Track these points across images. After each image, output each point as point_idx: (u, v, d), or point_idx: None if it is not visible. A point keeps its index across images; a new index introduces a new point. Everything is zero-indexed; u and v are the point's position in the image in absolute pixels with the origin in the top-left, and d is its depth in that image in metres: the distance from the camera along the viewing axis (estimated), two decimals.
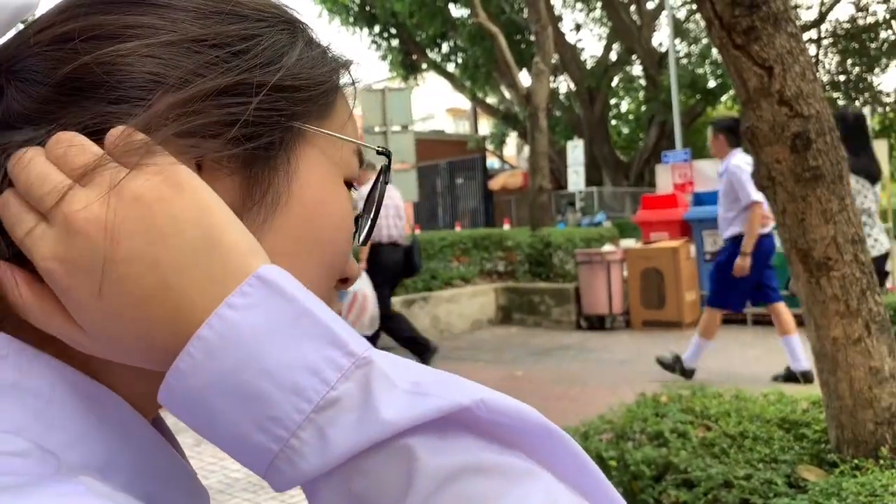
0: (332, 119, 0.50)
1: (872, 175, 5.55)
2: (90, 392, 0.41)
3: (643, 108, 26.69)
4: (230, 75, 0.43)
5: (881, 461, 2.72)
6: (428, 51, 24.46)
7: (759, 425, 3.29)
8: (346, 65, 0.53)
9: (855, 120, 5.49)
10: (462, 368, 6.83)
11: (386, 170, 0.55)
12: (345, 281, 0.53)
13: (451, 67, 25.23)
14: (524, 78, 15.63)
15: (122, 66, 0.41)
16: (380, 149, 0.56)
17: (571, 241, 10.39)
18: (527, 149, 16.68)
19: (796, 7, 22.76)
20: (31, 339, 0.41)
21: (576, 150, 18.14)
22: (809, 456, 2.96)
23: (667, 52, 20.11)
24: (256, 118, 0.44)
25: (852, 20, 27.64)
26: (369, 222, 0.55)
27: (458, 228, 15.37)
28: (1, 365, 0.39)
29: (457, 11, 23.71)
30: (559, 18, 25.33)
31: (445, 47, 25.05)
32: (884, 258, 5.80)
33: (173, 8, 0.44)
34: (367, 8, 22.79)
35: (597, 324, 8.68)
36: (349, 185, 0.51)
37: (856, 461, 2.75)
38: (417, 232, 14.48)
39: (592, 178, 22.34)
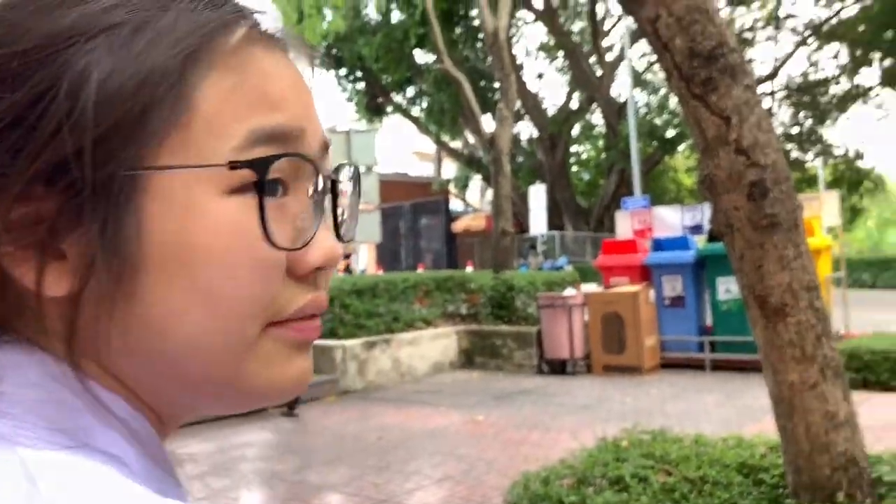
0: (195, 115, 0.39)
1: None
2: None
3: (603, 155, 27.21)
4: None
5: None
6: (393, 94, 24.73)
7: (718, 470, 3.30)
8: (220, 21, 0.41)
9: None
10: (423, 413, 6.76)
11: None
12: (310, 318, 0.43)
13: (416, 111, 25.52)
14: (488, 123, 15.86)
15: None
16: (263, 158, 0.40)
17: (533, 284, 10.43)
18: (490, 192, 16.84)
19: (751, 61, 23.57)
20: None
21: (538, 195, 18.36)
22: (768, 501, 2.98)
23: (626, 101, 20.59)
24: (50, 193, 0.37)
25: (804, 75, 28.71)
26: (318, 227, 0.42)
27: (420, 270, 15.36)
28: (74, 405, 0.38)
29: (422, 57, 24.06)
30: (521, 67, 25.84)
31: (411, 91, 25.35)
32: None
33: None
34: (334, 51, 23.01)
35: (558, 368, 8.68)
36: (260, 186, 0.39)
37: None
38: (380, 273, 14.44)
39: (554, 222, 22.61)
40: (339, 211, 0.46)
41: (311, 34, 11.27)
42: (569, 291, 9.08)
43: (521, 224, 21.29)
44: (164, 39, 0.38)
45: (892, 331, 8.35)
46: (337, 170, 0.46)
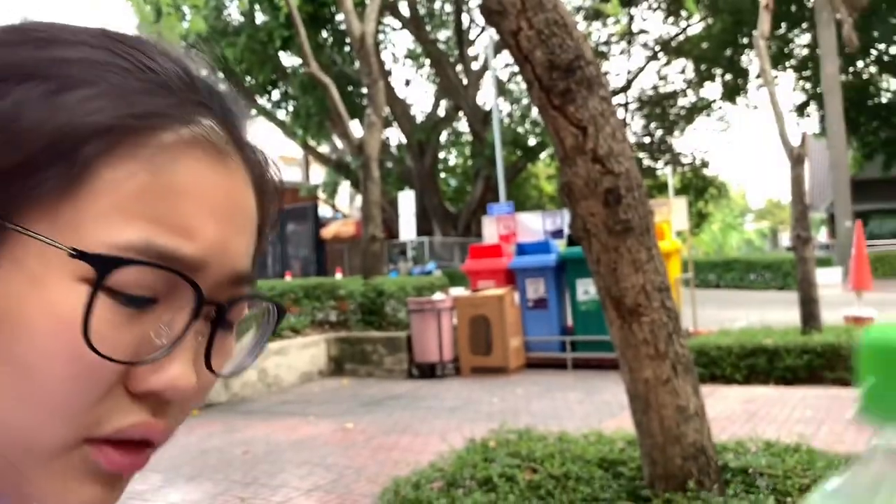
0: (87, 193, 0.36)
1: None
2: None
3: (470, 162, 27.76)
4: None
5: (689, 493, 2.92)
6: (257, 97, 24.13)
7: (580, 466, 3.43)
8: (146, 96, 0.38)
9: None
10: (291, 424, 6.62)
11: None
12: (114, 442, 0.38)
13: (281, 115, 25.02)
14: (356, 128, 15.78)
15: None
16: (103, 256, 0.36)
17: (403, 289, 10.47)
18: (359, 198, 16.76)
19: (606, 74, 24.79)
20: None
21: (407, 201, 18.48)
22: (626, 493, 3.13)
23: (491, 110, 21.11)
24: None
25: (654, 88, 30.55)
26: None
27: (288, 278, 15.04)
28: None
29: (288, 60, 23.63)
30: (390, 73, 25.93)
31: (276, 94, 24.84)
32: None
33: None
34: (194, 52, 22.17)
35: (428, 372, 8.76)
36: (96, 284, 0.36)
37: (667, 495, 2.93)
38: None
39: (423, 228, 22.81)
40: (239, 341, 0.43)
41: (170, 34, 10.81)
42: (438, 296, 9.18)
43: (391, 230, 21.36)
44: (84, 105, 0.36)
45: (736, 328, 9.01)
46: (236, 301, 0.41)
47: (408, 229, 18.20)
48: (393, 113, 24.35)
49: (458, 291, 9.55)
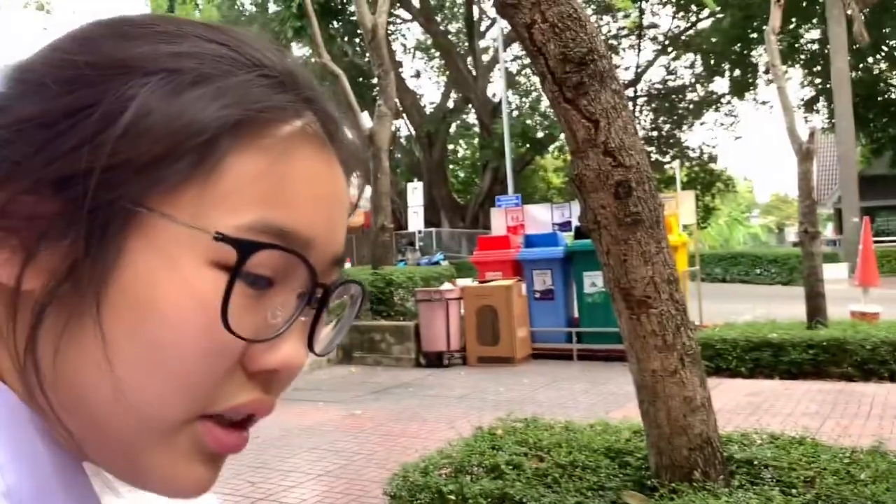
0: (213, 179, 0.39)
1: None
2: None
3: (478, 154, 27.73)
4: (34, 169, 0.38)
5: (694, 484, 2.96)
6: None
7: (587, 455, 3.48)
8: (268, 99, 0.40)
9: None
10: (300, 410, 6.69)
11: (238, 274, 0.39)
12: (237, 421, 0.42)
13: None
14: (366, 119, 15.79)
15: None
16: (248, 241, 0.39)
17: (412, 279, 10.53)
18: (368, 189, 16.79)
19: (617, 67, 24.73)
20: None
21: (416, 192, 18.51)
22: (633, 482, 3.17)
23: (500, 102, 21.09)
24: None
25: (663, 82, 30.43)
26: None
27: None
28: None
29: (298, 51, 23.63)
30: (400, 65, 25.92)
31: None
32: None
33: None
34: None
35: (435, 361, 8.82)
36: (237, 267, 0.38)
37: (673, 485, 2.98)
38: None
39: (431, 219, 22.84)
40: (327, 323, 0.45)
41: None
42: (446, 286, 9.23)
43: (399, 221, 21.40)
44: (214, 101, 0.39)
45: (741, 321, 9.04)
46: (339, 284, 0.45)
47: (416, 220, 18.24)
48: (403, 104, 24.36)
49: (466, 282, 9.60)
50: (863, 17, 8.70)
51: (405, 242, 19.65)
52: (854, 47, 14.52)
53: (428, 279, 10.81)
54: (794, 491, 2.84)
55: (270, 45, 0.44)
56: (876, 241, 11.77)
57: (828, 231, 33.28)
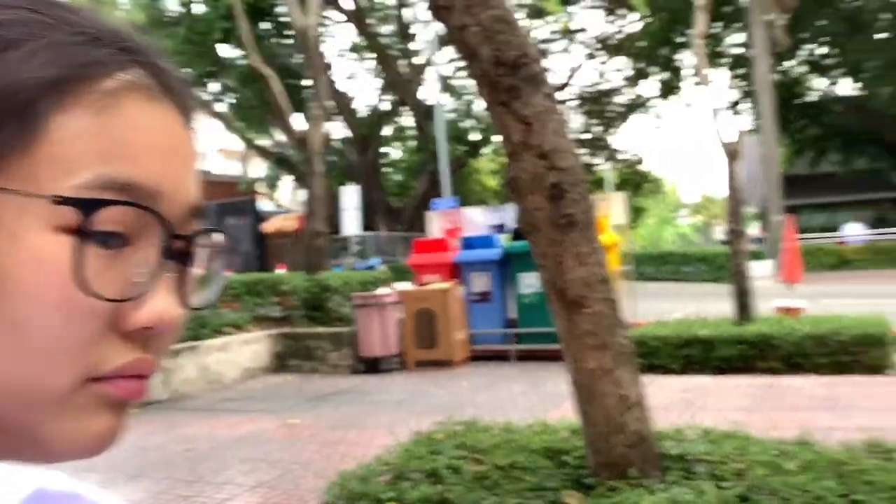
0: (41, 143, 0.38)
1: None
2: None
3: (414, 157, 27.74)
4: None
5: (631, 481, 3.01)
6: (196, 90, 23.65)
7: (526, 456, 3.49)
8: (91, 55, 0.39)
9: None
10: (234, 420, 6.54)
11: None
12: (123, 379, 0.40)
13: (221, 107, 24.56)
14: (298, 122, 15.61)
15: None
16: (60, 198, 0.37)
17: (348, 284, 10.44)
18: (300, 192, 16.58)
19: (548, 71, 25.08)
20: None
21: (350, 196, 18.37)
22: (572, 481, 3.20)
23: (434, 105, 21.14)
24: None
25: (594, 85, 31.05)
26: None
27: (228, 273, 14.79)
28: None
29: (227, 52, 23.21)
30: (330, 66, 25.73)
31: (215, 87, 24.37)
32: None
33: None
34: None
35: (373, 366, 8.75)
36: (81, 228, 0.37)
37: (610, 483, 3.01)
38: None
39: (367, 223, 22.72)
40: (196, 275, 0.44)
41: None
42: (383, 290, 9.17)
43: (334, 225, 21.21)
44: (26, 63, 0.37)
45: (672, 319, 9.25)
46: (199, 233, 0.44)
47: (351, 224, 18.11)
48: (337, 107, 24.18)
49: (404, 286, 9.56)
50: (783, 22, 9.03)
51: (339, 247, 19.48)
52: (775, 51, 15.08)
53: (365, 284, 10.73)
54: (725, 483, 2.91)
55: (96, 12, 0.42)
56: (799, 239, 12.23)
57: (754, 229, 34.47)
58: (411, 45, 26.35)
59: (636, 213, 32.01)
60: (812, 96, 29.85)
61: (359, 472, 3.58)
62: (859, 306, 9.07)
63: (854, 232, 24.63)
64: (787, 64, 28.39)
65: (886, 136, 28.14)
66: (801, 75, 29.29)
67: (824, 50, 28.26)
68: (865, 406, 5.52)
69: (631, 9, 23.89)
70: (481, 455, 3.61)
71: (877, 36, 26.28)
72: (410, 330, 8.75)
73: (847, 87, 29.25)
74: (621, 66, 30.40)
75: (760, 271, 16.93)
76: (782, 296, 9.18)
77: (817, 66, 28.66)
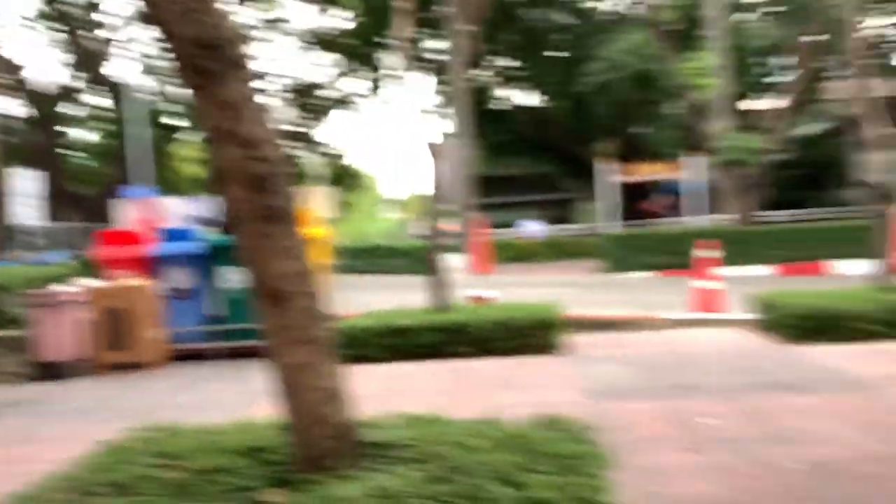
0: None
1: None
2: None
3: (103, 140, 25.40)
4: None
5: (334, 472, 3.03)
6: None
7: (229, 457, 3.35)
8: None
9: None
10: None
11: None
12: None
13: None
14: None
15: None
16: None
17: (24, 281, 9.24)
18: None
19: (253, 58, 24.47)
20: None
21: (25, 181, 16.26)
22: (276, 478, 3.14)
23: (126, 85, 19.54)
24: None
25: (299, 79, 31.12)
26: None
27: None
28: None
29: None
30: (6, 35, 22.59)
31: None
32: None
33: None
34: None
35: (56, 373, 7.84)
36: None
37: (314, 476, 3.01)
38: None
39: (47, 211, 20.31)
40: None
41: None
42: (65, 287, 8.27)
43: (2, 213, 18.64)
44: None
45: (378, 310, 9.55)
46: None
47: (25, 212, 16.04)
48: (11, 80, 21.24)
49: (91, 282, 8.69)
50: (473, 33, 9.77)
51: (5, 237, 17.16)
52: (468, 59, 16.31)
53: (43, 280, 9.56)
54: (427, 466, 3.05)
55: None
56: (491, 234, 13.33)
57: (451, 225, 37.01)
58: (103, 20, 24.06)
59: (345, 207, 32.61)
60: (504, 105, 32.72)
61: (32, 492, 3.17)
62: (542, 295, 10.14)
63: (533, 228, 27.50)
64: (480, 73, 30.79)
65: (562, 145, 31.86)
66: (487, 85, 31.91)
67: (517, 63, 31.20)
68: (539, 383, 6.21)
69: (342, 6, 24.26)
70: (180, 461, 3.39)
71: (552, 54, 29.71)
72: (100, 331, 8.00)
73: (536, 98, 32.60)
74: (333, 61, 30.75)
75: (457, 263, 18.19)
76: (476, 286, 9.94)
77: (511, 78, 31.51)
